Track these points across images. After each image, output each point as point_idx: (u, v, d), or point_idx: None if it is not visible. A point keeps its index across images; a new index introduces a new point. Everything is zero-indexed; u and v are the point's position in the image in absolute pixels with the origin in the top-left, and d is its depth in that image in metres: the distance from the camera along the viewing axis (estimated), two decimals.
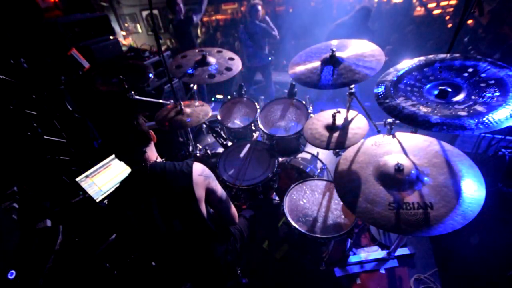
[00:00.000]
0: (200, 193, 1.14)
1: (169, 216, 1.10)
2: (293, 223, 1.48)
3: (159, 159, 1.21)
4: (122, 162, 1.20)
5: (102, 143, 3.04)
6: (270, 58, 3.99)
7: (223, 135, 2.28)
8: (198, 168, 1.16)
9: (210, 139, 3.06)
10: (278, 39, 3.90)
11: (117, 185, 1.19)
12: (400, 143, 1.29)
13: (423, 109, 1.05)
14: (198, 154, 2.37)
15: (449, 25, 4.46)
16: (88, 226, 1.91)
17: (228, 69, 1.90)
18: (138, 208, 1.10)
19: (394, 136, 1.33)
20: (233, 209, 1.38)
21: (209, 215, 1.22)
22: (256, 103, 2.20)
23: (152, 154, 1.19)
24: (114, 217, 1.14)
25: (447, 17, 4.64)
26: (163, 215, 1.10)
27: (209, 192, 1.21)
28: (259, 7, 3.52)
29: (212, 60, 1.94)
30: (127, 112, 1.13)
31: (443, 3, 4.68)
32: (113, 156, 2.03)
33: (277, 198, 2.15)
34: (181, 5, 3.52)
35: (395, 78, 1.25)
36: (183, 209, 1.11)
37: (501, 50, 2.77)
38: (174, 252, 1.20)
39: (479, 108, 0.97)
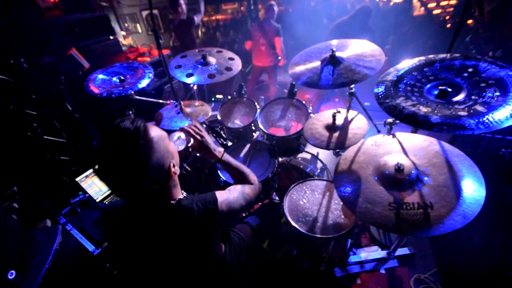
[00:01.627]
0: (218, 231, 0.98)
1: (176, 260, 0.93)
2: (293, 223, 1.48)
3: (179, 195, 0.92)
4: None
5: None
6: (279, 58, 3.99)
7: (223, 135, 2.28)
8: (221, 211, 0.91)
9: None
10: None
11: (119, 211, 0.94)
12: (400, 143, 1.29)
13: (423, 109, 1.05)
14: (198, 154, 2.37)
15: (448, 25, 4.46)
16: (88, 226, 1.91)
17: (228, 69, 1.90)
18: (144, 245, 0.91)
19: (394, 136, 1.33)
20: (250, 192, 1.10)
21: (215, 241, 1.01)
22: (256, 103, 2.20)
23: (171, 191, 0.88)
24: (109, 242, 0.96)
25: (447, 17, 4.64)
26: (170, 258, 0.92)
27: (232, 217, 1.00)
28: (275, 8, 3.61)
29: (212, 60, 1.94)
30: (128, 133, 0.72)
31: (443, 3, 4.69)
32: None
33: (277, 198, 2.15)
34: (184, 6, 3.51)
35: (395, 78, 1.25)
36: (194, 253, 0.92)
37: (502, 49, 2.76)
38: (174, 281, 1.01)
39: (479, 108, 0.97)
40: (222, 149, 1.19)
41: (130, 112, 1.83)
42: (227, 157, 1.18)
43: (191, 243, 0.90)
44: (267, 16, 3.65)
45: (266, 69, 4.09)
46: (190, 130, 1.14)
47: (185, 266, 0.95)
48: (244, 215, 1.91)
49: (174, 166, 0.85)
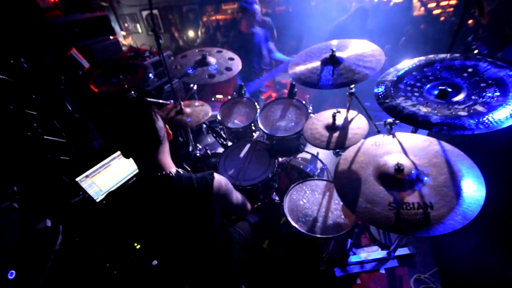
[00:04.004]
0: (217, 209, 1.06)
1: (178, 233, 1.01)
2: (293, 223, 1.48)
3: (174, 168, 1.03)
4: (122, 162, 1.15)
5: (103, 142, 3.04)
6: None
7: (223, 135, 2.28)
8: (217, 184, 1.02)
9: (210, 139, 3.06)
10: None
11: (120, 189, 1.03)
12: (400, 143, 1.29)
13: (423, 109, 1.05)
14: (198, 154, 2.37)
15: (443, 20, 4.43)
16: (88, 226, 1.91)
17: (228, 69, 1.90)
18: (143, 221, 0.99)
19: (394, 136, 1.33)
20: (246, 204, 1.35)
21: (220, 226, 1.14)
22: (256, 103, 2.20)
23: (166, 160, 1.02)
24: (110, 222, 1.03)
25: (442, 18, 4.64)
26: (170, 232, 1.00)
27: (227, 204, 1.13)
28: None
29: (212, 60, 1.94)
30: (140, 104, 0.96)
31: (443, 3, 4.68)
32: (113, 156, 2.03)
33: (277, 198, 2.15)
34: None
35: (395, 78, 1.25)
36: (194, 227, 1.02)
37: (504, 50, 2.75)
38: (177, 258, 1.14)
39: (479, 108, 0.97)
40: None
41: None
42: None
43: (191, 215, 0.98)
44: (250, 24, 3.42)
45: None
46: None
47: (186, 241, 1.03)
48: None
49: (168, 130, 1.06)
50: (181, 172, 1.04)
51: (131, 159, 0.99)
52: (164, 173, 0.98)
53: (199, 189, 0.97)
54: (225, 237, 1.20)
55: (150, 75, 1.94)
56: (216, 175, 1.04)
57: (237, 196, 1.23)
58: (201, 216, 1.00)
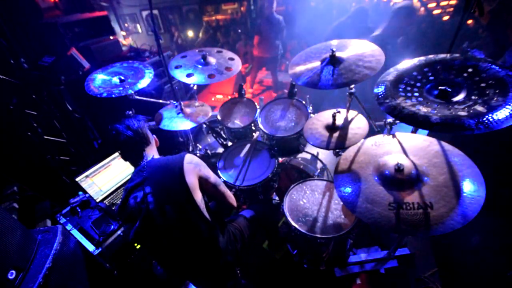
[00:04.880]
0: (192, 180, 1.19)
1: (162, 203, 1.15)
2: (293, 223, 1.48)
3: (157, 156, 1.33)
4: (121, 162, 1.24)
5: (103, 143, 3.05)
6: (281, 50, 4.40)
7: (223, 135, 2.28)
8: (188, 158, 1.23)
9: (210, 139, 3.06)
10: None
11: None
12: (400, 143, 1.29)
13: (423, 109, 1.05)
14: (198, 154, 2.37)
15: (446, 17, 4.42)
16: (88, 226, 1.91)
17: (228, 69, 1.90)
18: (137, 198, 1.17)
19: (394, 136, 1.33)
20: (230, 193, 1.45)
21: (205, 204, 1.26)
22: (256, 103, 2.20)
23: (151, 152, 1.33)
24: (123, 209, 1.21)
25: (447, 17, 4.63)
26: (157, 202, 1.15)
27: (202, 180, 1.27)
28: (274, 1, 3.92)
29: (212, 60, 1.94)
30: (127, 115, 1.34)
31: (443, 3, 4.68)
32: (113, 156, 2.03)
33: (277, 198, 2.15)
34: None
35: (395, 78, 1.25)
36: (176, 196, 1.16)
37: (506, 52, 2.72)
38: (174, 246, 1.21)
39: (479, 108, 0.97)
40: None
41: (130, 112, 1.83)
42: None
43: (170, 186, 1.16)
44: (271, 10, 3.96)
45: (269, 60, 4.45)
46: None
47: (169, 211, 1.15)
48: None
49: (156, 139, 1.43)
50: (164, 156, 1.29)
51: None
52: (150, 158, 1.27)
53: (173, 160, 1.21)
54: (213, 218, 1.28)
55: (150, 75, 1.94)
56: (188, 153, 1.26)
57: (215, 177, 1.36)
58: (178, 184, 1.16)
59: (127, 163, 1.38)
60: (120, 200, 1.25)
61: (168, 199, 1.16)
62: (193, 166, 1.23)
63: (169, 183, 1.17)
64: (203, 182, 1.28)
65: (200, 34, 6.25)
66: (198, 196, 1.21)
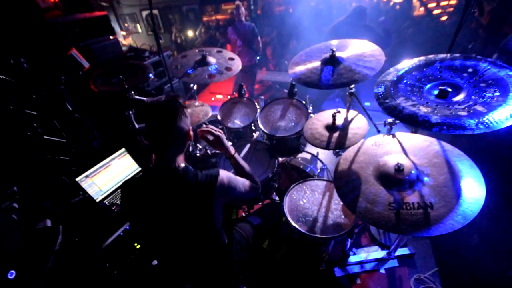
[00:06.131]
0: (219, 203, 1.10)
1: (180, 225, 1.07)
2: (293, 223, 1.48)
3: (183, 164, 1.11)
4: (121, 162, 1.17)
5: (103, 143, 3.04)
6: (258, 58, 4.06)
7: None
8: (221, 182, 1.07)
9: None
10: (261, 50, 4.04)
11: (136, 177, 1.14)
12: (400, 143, 1.29)
13: (423, 109, 1.05)
14: (198, 154, 2.37)
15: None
16: (88, 226, 1.91)
17: (228, 69, 1.90)
18: (153, 208, 1.06)
19: (394, 136, 1.33)
20: (254, 188, 1.30)
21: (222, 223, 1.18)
22: (256, 103, 2.20)
23: (178, 156, 1.09)
24: (126, 206, 1.11)
25: (446, 17, 4.64)
26: (175, 223, 1.06)
27: (232, 198, 1.17)
28: (242, 8, 3.72)
29: (212, 60, 1.94)
30: (172, 102, 1.04)
31: (443, 3, 4.68)
32: (113, 156, 2.03)
33: (277, 198, 2.15)
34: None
35: (395, 78, 1.25)
36: (195, 221, 1.07)
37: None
38: (179, 253, 1.18)
39: (479, 108, 0.97)
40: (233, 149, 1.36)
41: (130, 112, 1.83)
42: (238, 155, 1.36)
43: (192, 208, 1.04)
44: (237, 17, 3.76)
45: (243, 69, 4.12)
46: (210, 129, 1.30)
47: (186, 234, 1.08)
48: (244, 214, 1.90)
49: (191, 131, 1.12)
50: (190, 168, 1.10)
51: (130, 159, 1.03)
52: (172, 166, 1.05)
53: (203, 183, 1.04)
54: (228, 237, 1.23)
55: (150, 75, 1.94)
56: (221, 172, 1.10)
57: (244, 185, 1.23)
58: (202, 211, 1.05)
59: (127, 163, 1.34)
60: (124, 189, 1.12)
61: (188, 224, 1.07)
62: (224, 192, 1.09)
63: (194, 207, 1.05)
64: (232, 200, 1.19)
65: (197, 33, 6.26)
66: (219, 218, 1.13)
